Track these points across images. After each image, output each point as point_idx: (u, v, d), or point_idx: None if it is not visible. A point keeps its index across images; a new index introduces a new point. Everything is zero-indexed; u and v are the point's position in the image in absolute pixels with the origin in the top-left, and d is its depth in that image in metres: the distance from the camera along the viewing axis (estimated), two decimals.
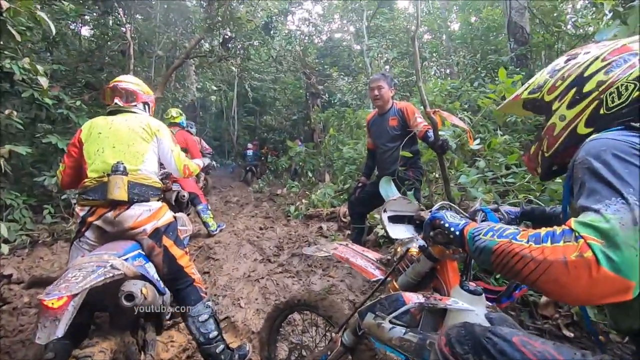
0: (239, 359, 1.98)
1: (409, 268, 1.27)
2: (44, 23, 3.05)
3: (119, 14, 7.82)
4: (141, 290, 1.51)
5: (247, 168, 12.54)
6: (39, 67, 3.79)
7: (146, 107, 2.17)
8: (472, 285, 1.08)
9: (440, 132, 2.50)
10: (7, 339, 2.25)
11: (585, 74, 0.87)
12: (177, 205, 2.48)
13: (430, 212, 1.10)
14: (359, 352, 1.39)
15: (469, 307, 0.99)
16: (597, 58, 0.87)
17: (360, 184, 3.31)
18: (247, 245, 3.94)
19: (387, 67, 9.78)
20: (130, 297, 1.48)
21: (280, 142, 14.68)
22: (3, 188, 4.29)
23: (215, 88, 12.94)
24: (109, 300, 1.57)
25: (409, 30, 10.23)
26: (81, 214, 1.80)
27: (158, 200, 1.94)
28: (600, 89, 0.84)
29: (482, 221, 1.08)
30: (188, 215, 2.87)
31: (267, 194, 8.07)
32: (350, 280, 2.94)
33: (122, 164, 1.81)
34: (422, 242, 1.23)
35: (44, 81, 3.64)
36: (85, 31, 9.26)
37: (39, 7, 3.10)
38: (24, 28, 4.00)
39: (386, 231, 1.29)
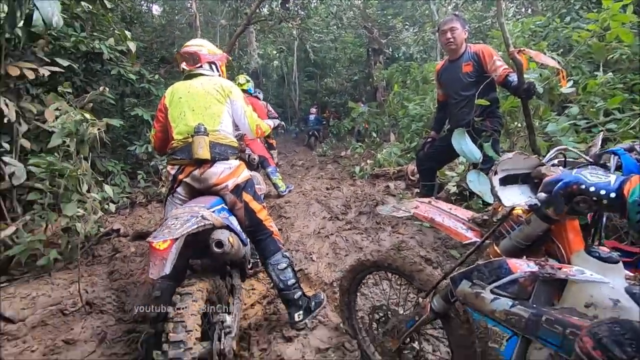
0: (315, 305, 2.11)
1: (515, 230, 1.09)
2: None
3: None
4: (228, 239, 1.66)
5: (310, 133, 12.69)
6: (127, 32, 4.12)
7: (213, 67, 2.23)
8: (603, 249, 0.87)
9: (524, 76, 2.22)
10: (122, 280, 2.67)
11: None
12: (248, 167, 2.63)
13: (552, 167, 0.91)
14: (451, 320, 1.31)
15: (601, 279, 0.80)
16: None
17: (429, 139, 3.15)
18: (316, 205, 4.06)
19: (457, 12, 8.85)
20: (219, 244, 1.63)
21: (341, 105, 14.49)
22: (104, 157, 4.92)
23: (276, 53, 12.99)
24: (202, 248, 1.76)
25: None
26: (172, 172, 2.00)
27: (236, 159, 2.06)
28: None
29: (618, 167, 0.90)
30: None
31: (331, 156, 8.13)
32: (421, 237, 2.90)
33: (203, 125, 1.94)
34: (533, 201, 0.99)
35: (132, 45, 3.96)
36: (156, 9, 9.81)
37: None
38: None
39: (498, 198, 1.09)
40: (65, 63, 3.43)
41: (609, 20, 2.43)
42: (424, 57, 8.90)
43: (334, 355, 1.86)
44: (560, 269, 0.87)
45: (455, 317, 1.31)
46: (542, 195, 0.93)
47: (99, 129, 3.01)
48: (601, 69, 2.86)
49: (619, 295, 0.77)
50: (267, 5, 9.17)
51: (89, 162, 3.07)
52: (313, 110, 13.00)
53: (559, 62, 2.50)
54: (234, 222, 1.90)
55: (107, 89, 4.44)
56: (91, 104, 3.82)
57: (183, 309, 1.48)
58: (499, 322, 0.96)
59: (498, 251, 1.13)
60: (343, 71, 15.66)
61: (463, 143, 2.30)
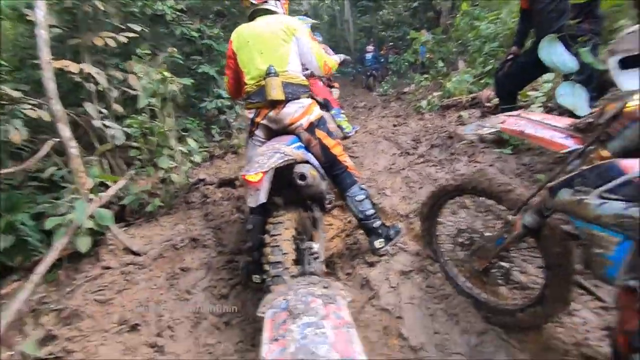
0: (394, 234, 2.17)
1: (628, 129, 0.98)
2: None
3: None
4: (310, 172, 1.75)
5: (368, 73, 12.13)
6: None
7: (278, 3, 2.20)
8: None
9: None
10: (216, 221, 3.00)
11: None
12: None
13: None
14: (545, 236, 1.27)
15: None
16: None
17: (510, 55, 2.82)
18: (384, 142, 4.01)
19: None
20: (303, 177, 1.73)
21: (400, 39, 13.45)
22: (180, 116, 5.32)
23: None
24: (284, 184, 1.88)
25: None
26: (250, 116, 2.10)
27: (307, 97, 2.09)
28: None
29: None
30: None
31: (394, 94, 7.78)
32: (502, 164, 2.74)
33: (273, 67, 1.97)
34: None
35: None
36: None
37: None
38: None
39: (617, 82, 0.97)
40: (137, 28, 3.65)
41: None
42: None
43: (417, 277, 1.95)
44: None
45: (549, 232, 1.27)
46: None
47: (177, 86, 3.24)
48: None
49: None
50: None
51: (173, 118, 3.36)
52: (370, 48, 12.32)
53: None
54: (311, 158, 1.98)
55: (175, 49, 4.68)
56: (165, 65, 4.08)
57: (277, 235, 1.65)
58: (608, 227, 0.91)
59: (606, 155, 1.04)
60: None
61: (554, 52, 2.00)
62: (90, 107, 3.26)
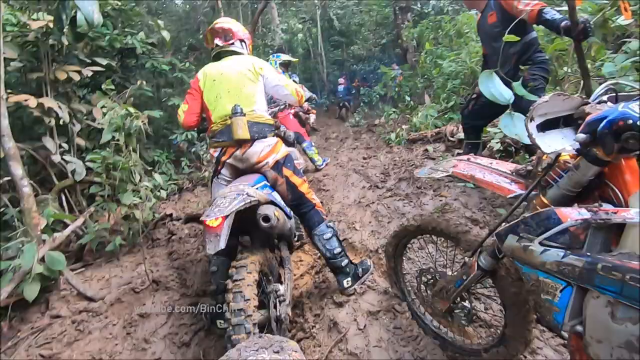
0: (362, 272, 2.16)
1: (563, 178, 1.03)
2: None
3: None
4: (274, 213, 1.73)
5: (341, 104, 12.49)
6: (159, 21, 4.23)
7: (243, 44, 2.27)
8: None
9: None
10: (181, 259, 2.88)
11: None
12: (285, 144, 2.67)
13: (598, 105, 0.86)
14: (500, 277, 1.29)
15: None
16: None
17: (474, 95, 2.99)
18: (354, 175, 4.07)
19: None
20: (266, 218, 1.71)
21: (370, 72, 14.06)
22: (149, 148, 5.20)
23: (299, 25, 12.74)
24: (250, 225, 1.85)
25: None
26: (215, 155, 2.08)
27: (273, 136, 2.10)
28: None
29: None
30: None
31: (365, 126, 8.00)
32: (466, 199, 2.83)
33: (239, 106, 1.99)
34: (577, 144, 0.94)
35: (165, 34, 4.08)
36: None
37: None
38: (132, 2, 4.47)
39: (537, 145, 1.04)
40: (104, 62, 3.62)
41: None
42: (456, 9, 8.30)
43: (385, 317, 1.92)
44: (616, 213, 0.82)
45: (504, 273, 1.29)
46: (582, 136, 0.87)
47: (142, 122, 3.18)
48: None
49: None
50: None
51: (138, 153, 3.27)
52: (342, 80, 12.73)
53: None
54: (277, 198, 1.97)
55: (144, 82, 4.64)
56: (132, 99, 4.02)
57: (240, 280, 1.59)
58: (550, 274, 0.94)
59: (546, 202, 1.08)
60: (370, 36, 15.07)
61: (491, 85, 2.15)
62: (49, 142, 3.14)
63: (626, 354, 0.77)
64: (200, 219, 1.58)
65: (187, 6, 8.41)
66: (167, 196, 4.45)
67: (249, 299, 1.55)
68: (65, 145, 3.35)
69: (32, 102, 2.88)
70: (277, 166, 2.03)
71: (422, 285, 1.73)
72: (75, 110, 3.52)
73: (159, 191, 3.64)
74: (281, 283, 2.02)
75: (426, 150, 4.08)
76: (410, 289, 1.92)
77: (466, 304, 1.52)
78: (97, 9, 2.30)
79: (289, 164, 2.09)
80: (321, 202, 3.59)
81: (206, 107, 2.12)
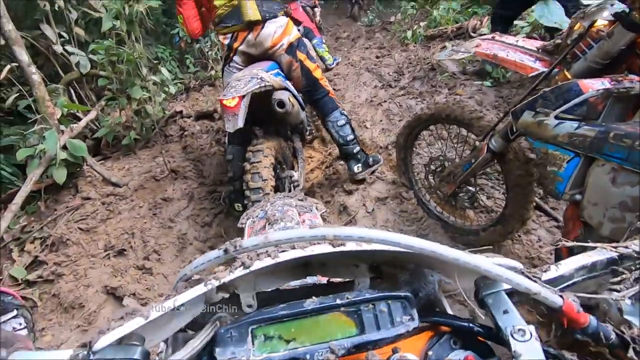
0: (372, 162, 2.23)
1: (593, 49, 1.00)
2: None
3: None
4: (289, 99, 1.73)
5: (353, 1, 11.34)
6: None
7: None
8: None
9: None
10: (195, 153, 2.98)
11: None
12: None
13: None
14: (509, 159, 1.33)
15: None
16: None
17: None
18: (366, 74, 3.91)
19: None
20: (281, 103, 1.71)
21: None
22: (151, 44, 4.93)
23: None
24: (263, 113, 1.85)
25: None
26: (226, 42, 1.98)
27: (283, 15, 1.97)
28: None
29: None
30: None
31: (379, 24, 7.39)
32: (481, 97, 2.76)
33: None
34: (618, 7, 0.90)
35: None
36: None
37: None
38: None
39: None
40: None
41: None
42: None
43: (392, 203, 2.05)
44: None
45: (512, 156, 1.33)
46: None
47: (144, 8, 2.96)
48: None
49: None
50: None
51: (141, 44, 3.11)
52: None
53: None
54: (290, 86, 1.93)
55: None
56: None
57: (257, 162, 1.67)
58: (560, 146, 0.98)
59: (569, 77, 1.06)
60: None
61: None
62: (47, 30, 2.98)
63: (618, 213, 0.86)
64: (217, 98, 1.58)
65: None
66: (175, 95, 4.39)
67: (266, 179, 1.65)
68: (65, 35, 3.18)
69: None
70: (292, 49, 1.94)
71: (429, 174, 1.81)
72: None
73: (167, 87, 3.57)
74: (295, 170, 2.12)
75: (444, 47, 3.82)
76: (417, 178, 2.01)
77: (471, 187, 1.62)
78: None
79: (302, 47, 2.01)
80: None
81: None
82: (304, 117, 2.22)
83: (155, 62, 3.82)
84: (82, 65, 3.17)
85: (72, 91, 3.31)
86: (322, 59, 4.52)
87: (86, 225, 2.21)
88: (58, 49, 3.03)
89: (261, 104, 1.77)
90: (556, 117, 0.97)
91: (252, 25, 1.86)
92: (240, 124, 1.57)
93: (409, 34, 4.75)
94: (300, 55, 1.97)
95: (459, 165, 1.57)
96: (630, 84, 0.84)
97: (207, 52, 5.19)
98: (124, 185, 2.55)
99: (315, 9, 5.23)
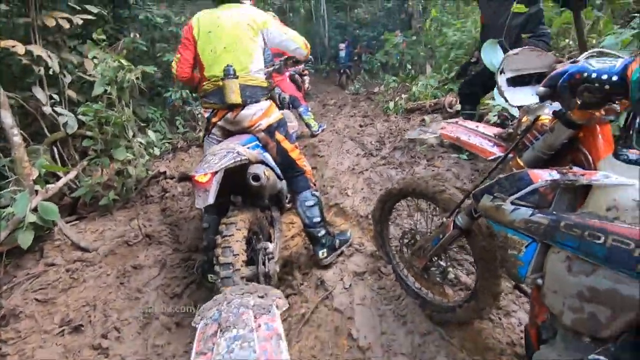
0: (339, 244, 2.20)
1: (539, 140, 1.08)
2: None
3: None
4: (264, 172, 1.74)
5: (341, 70, 12.17)
6: None
7: None
8: (633, 152, 0.82)
9: None
10: (173, 216, 2.92)
11: None
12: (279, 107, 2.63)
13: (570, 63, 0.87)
14: (474, 235, 1.36)
15: (627, 181, 0.78)
16: None
17: (473, 59, 2.92)
18: (349, 142, 4.06)
19: None
20: (256, 177, 1.72)
21: (373, 38, 13.58)
22: (143, 105, 5.10)
23: None
24: (240, 183, 1.86)
25: None
26: (206, 115, 2.05)
27: (266, 100, 2.04)
28: None
29: None
30: None
31: (364, 94, 7.87)
32: (458, 170, 2.85)
33: (232, 67, 1.87)
34: (556, 106, 0.99)
35: None
36: None
37: None
38: None
39: (505, 98, 1.08)
40: (95, 10, 3.45)
41: None
42: None
43: (370, 278, 1.99)
44: (584, 175, 0.87)
45: (478, 232, 1.36)
46: (542, 89, 0.90)
47: (136, 76, 3.10)
48: None
49: None
50: None
51: (131, 108, 3.21)
52: (343, 46, 12.32)
53: None
54: (268, 158, 1.97)
55: (138, 35, 4.47)
56: (125, 52, 3.89)
57: (229, 236, 1.63)
58: (518, 231, 1.00)
59: (521, 164, 1.14)
60: None
61: (493, 56, 2.11)
62: (39, 93, 3.06)
63: (577, 302, 0.85)
64: (190, 174, 1.59)
65: None
66: (161, 155, 4.43)
67: (237, 254, 1.60)
68: (56, 97, 3.27)
69: (19, 49, 2.77)
70: (270, 129, 2.00)
71: (403, 247, 1.80)
72: (66, 61, 3.41)
73: (152, 148, 3.62)
74: (271, 241, 2.07)
75: (423, 120, 4.06)
76: (395, 252, 1.98)
77: (442, 262, 1.61)
78: None
79: (282, 128, 2.06)
80: (314, 169, 3.63)
81: (200, 60, 2.01)
82: (283, 186, 2.23)
83: (143, 124, 3.91)
84: (70, 125, 3.22)
85: (55, 151, 3.32)
86: (308, 125, 4.73)
87: (45, 295, 2.06)
88: (47, 110, 3.10)
89: (237, 177, 1.78)
90: (512, 203, 1.00)
91: (232, 106, 1.93)
92: (211, 200, 1.56)
93: (391, 105, 5.05)
94: (279, 137, 2.03)
95: (429, 239, 1.58)
96: (574, 176, 0.89)
97: (197, 114, 5.38)
98: (93, 250, 2.44)
99: (305, 77, 5.56)
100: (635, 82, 0.65)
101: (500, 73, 1.08)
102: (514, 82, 1.09)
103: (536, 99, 1.05)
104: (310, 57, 2.88)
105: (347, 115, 5.87)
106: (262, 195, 1.97)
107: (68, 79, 3.40)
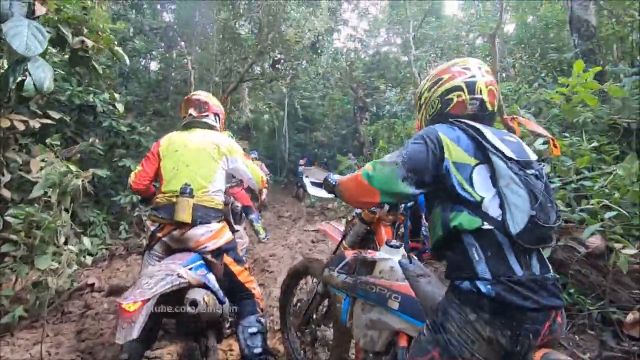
0: None
1: (352, 230, 1.85)
2: (120, 58, 3.38)
3: (181, 47, 8.63)
4: (204, 298, 1.61)
5: (299, 184, 12.80)
6: (116, 95, 4.29)
7: (217, 118, 2.25)
8: (394, 242, 1.43)
9: None
10: (90, 340, 2.50)
11: (421, 90, 1.32)
12: (232, 217, 2.62)
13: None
14: (330, 297, 1.80)
15: (387, 257, 1.37)
16: (427, 77, 1.31)
17: None
18: (300, 258, 3.99)
19: None
20: (194, 303, 1.58)
21: (330, 158, 14.85)
22: (87, 207, 4.83)
23: (267, 108, 13.57)
24: (176, 305, 1.69)
25: (458, 37, 9.91)
26: (152, 228, 1.97)
27: (219, 222, 2.00)
28: (425, 102, 1.30)
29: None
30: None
31: (319, 208, 8.16)
32: None
33: (189, 186, 1.89)
34: (359, 211, 1.85)
35: (120, 106, 4.09)
36: (154, 65, 10.33)
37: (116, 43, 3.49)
38: (104, 66, 4.56)
39: (308, 191, 1.58)
40: (57, 116, 3.50)
41: (577, 86, 2.72)
42: (407, 115, 9.37)
43: None
44: (369, 254, 1.46)
45: (333, 296, 1.74)
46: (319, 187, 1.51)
47: (83, 180, 3.01)
48: (567, 132, 3.10)
49: (394, 265, 1.34)
50: (259, 66, 9.76)
51: (70, 213, 3.01)
52: (302, 162, 13.25)
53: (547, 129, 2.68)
54: (211, 280, 1.84)
55: (97, 140, 4.52)
56: (79, 155, 3.85)
57: None
58: (339, 289, 1.53)
59: (345, 245, 1.85)
60: (332, 125, 16.30)
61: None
62: None
63: (365, 330, 1.36)
64: (117, 300, 1.42)
65: (160, 76, 8.74)
66: (95, 262, 4.02)
67: None
68: None
69: None
70: (218, 252, 1.92)
71: (290, 316, 2.17)
72: (9, 159, 3.26)
73: (84, 257, 3.29)
74: None
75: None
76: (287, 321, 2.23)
77: (314, 325, 1.94)
78: (50, 76, 2.22)
79: (231, 251, 2.00)
80: (262, 285, 3.44)
81: (161, 175, 2.02)
82: (225, 312, 2.04)
83: (81, 229, 3.62)
84: None
85: None
86: (256, 232, 4.97)
87: None
88: None
89: (172, 299, 1.62)
90: (338, 272, 1.55)
91: (180, 225, 1.87)
92: (135, 334, 1.35)
93: (343, 222, 5.23)
94: (227, 259, 1.95)
95: (303, 305, 1.96)
96: (365, 255, 1.45)
97: (145, 220, 5.16)
98: None
99: (263, 189, 5.80)
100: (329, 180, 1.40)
101: (306, 177, 1.58)
102: (314, 183, 1.56)
103: (324, 193, 1.50)
104: (269, 175, 3.05)
105: (301, 229, 5.93)
106: (199, 322, 1.78)
107: (6, 177, 3.20)
